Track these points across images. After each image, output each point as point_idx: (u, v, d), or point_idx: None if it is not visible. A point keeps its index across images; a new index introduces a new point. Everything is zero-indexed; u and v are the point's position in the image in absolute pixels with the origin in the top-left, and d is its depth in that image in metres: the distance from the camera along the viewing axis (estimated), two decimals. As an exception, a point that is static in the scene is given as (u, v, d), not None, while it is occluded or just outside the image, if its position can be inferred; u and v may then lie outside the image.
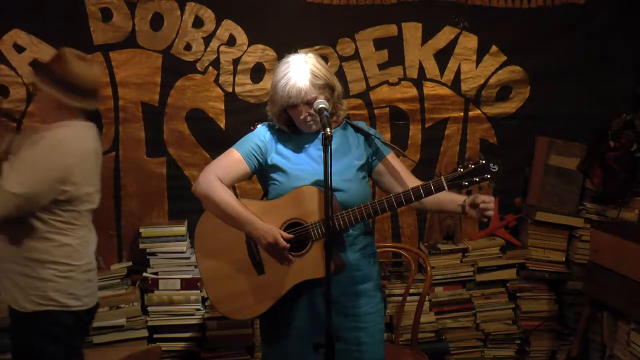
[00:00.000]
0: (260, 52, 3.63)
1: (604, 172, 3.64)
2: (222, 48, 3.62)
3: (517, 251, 3.80)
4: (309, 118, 2.32)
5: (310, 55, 2.34)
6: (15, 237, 2.35)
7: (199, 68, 3.62)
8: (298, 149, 2.41)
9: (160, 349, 3.52)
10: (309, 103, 2.29)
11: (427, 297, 3.60)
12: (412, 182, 2.42)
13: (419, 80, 3.78)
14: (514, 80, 3.82)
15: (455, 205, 2.35)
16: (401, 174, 2.48)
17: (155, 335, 3.56)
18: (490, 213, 2.28)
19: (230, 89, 3.66)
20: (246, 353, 3.62)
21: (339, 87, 2.40)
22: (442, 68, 3.78)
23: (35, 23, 3.45)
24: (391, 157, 2.50)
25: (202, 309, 3.56)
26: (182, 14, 3.57)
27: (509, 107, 3.86)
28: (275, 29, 3.61)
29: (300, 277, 2.34)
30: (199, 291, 3.53)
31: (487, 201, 2.25)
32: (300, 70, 2.28)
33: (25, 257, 2.36)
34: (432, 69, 3.78)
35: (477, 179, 2.19)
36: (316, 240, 2.33)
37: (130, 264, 3.63)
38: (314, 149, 2.41)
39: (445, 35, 3.75)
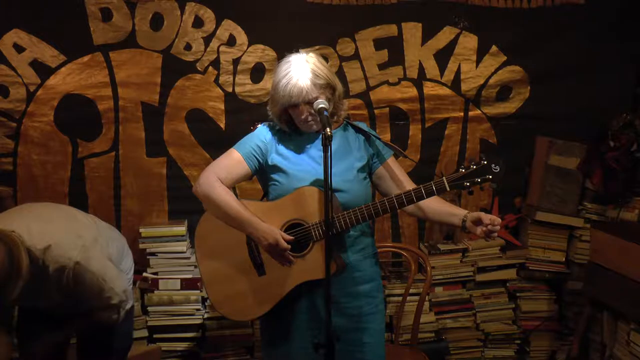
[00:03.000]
0: (260, 52, 3.63)
1: (604, 172, 3.64)
2: (222, 48, 3.61)
3: (517, 251, 3.80)
4: (309, 118, 2.32)
5: (312, 54, 2.34)
6: None
7: (199, 68, 3.62)
8: (299, 149, 2.41)
9: (161, 349, 3.52)
10: (310, 103, 2.28)
11: (427, 297, 3.60)
12: (410, 185, 2.42)
13: (419, 80, 3.77)
14: (514, 80, 3.82)
15: (457, 219, 2.34)
16: (400, 178, 2.47)
17: (155, 335, 3.55)
18: (496, 235, 2.27)
19: (230, 89, 3.66)
20: (246, 353, 3.62)
21: (340, 87, 2.39)
22: (442, 68, 3.78)
23: (35, 23, 3.45)
24: (392, 161, 2.50)
25: (202, 309, 3.56)
26: (182, 14, 3.56)
27: (509, 107, 3.86)
28: (275, 29, 3.60)
29: (301, 278, 2.34)
30: (199, 291, 3.53)
31: (496, 223, 2.23)
32: (301, 70, 2.27)
33: None
34: (432, 69, 3.77)
35: (479, 180, 2.19)
36: (317, 241, 2.32)
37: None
38: (315, 150, 2.40)
39: (445, 35, 3.75)
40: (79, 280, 2.40)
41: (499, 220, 2.24)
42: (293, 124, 2.40)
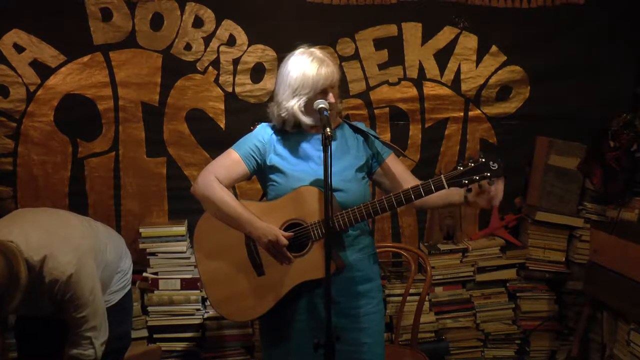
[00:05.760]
0: (260, 52, 3.63)
1: (604, 172, 3.64)
2: (222, 48, 3.62)
3: (517, 251, 3.80)
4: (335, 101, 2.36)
5: (313, 49, 2.38)
6: None
7: (199, 68, 3.62)
8: (297, 149, 2.41)
9: (160, 349, 3.52)
10: (334, 87, 2.35)
11: (427, 297, 3.60)
12: (413, 183, 2.42)
13: (419, 80, 3.77)
14: (514, 80, 3.82)
15: (457, 197, 2.32)
16: (402, 175, 2.47)
17: (155, 335, 3.56)
18: (497, 202, 2.24)
19: (230, 89, 3.66)
20: (246, 353, 3.62)
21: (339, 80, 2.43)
22: (442, 68, 3.78)
23: (35, 23, 3.45)
24: (391, 158, 2.50)
25: (202, 309, 3.57)
26: (182, 14, 3.57)
27: (509, 107, 3.86)
28: (275, 29, 3.61)
29: (301, 278, 2.34)
30: (199, 291, 3.53)
31: (499, 189, 2.22)
32: (321, 56, 2.34)
33: None
34: (432, 69, 3.77)
35: (477, 177, 2.18)
36: (316, 241, 2.32)
37: (130, 263, 3.63)
38: (313, 150, 2.40)
39: (445, 35, 3.75)
40: (67, 293, 2.40)
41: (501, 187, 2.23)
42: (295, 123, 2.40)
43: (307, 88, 2.31)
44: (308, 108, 2.34)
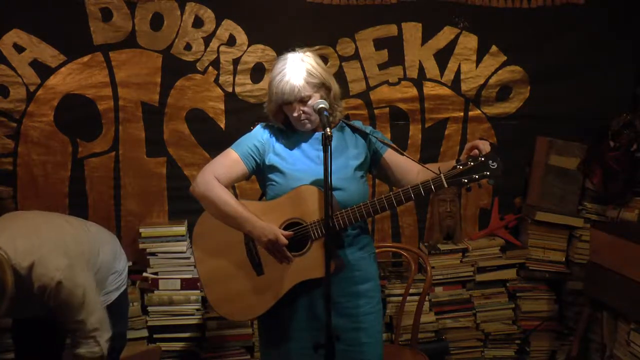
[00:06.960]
0: (260, 52, 3.63)
1: (604, 172, 3.64)
2: (222, 48, 3.62)
3: (517, 251, 3.80)
4: (302, 116, 2.33)
5: (309, 54, 2.35)
6: None
7: (199, 68, 3.62)
8: (296, 149, 2.42)
9: (160, 349, 3.52)
10: (303, 101, 2.30)
11: (427, 297, 3.60)
12: (416, 170, 2.43)
13: (419, 80, 3.78)
14: (514, 80, 3.82)
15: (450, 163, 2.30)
16: (404, 165, 2.47)
17: (155, 335, 3.56)
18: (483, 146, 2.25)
19: (230, 89, 3.66)
20: (246, 353, 3.62)
21: (336, 87, 2.40)
22: (442, 68, 3.78)
23: (35, 23, 3.45)
24: (390, 152, 2.50)
25: (202, 309, 3.56)
26: (182, 14, 3.57)
27: (509, 107, 3.86)
28: (275, 29, 3.61)
29: (300, 277, 2.34)
30: (199, 291, 3.53)
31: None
32: (296, 68, 2.29)
33: None
34: (432, 69, 3.77)
35: (477, 177, 2.19)
36: (316, 240, 2.32)
37: (130, 264, 3.61)
38: (312, 149, 2.41)
39: (445, 35, 3.75)
40: (58, 299, 2.39)
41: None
42: (289, 122, 2.41)
43: (271, 97, 2.36)
44: (275, 113, 2.41)
